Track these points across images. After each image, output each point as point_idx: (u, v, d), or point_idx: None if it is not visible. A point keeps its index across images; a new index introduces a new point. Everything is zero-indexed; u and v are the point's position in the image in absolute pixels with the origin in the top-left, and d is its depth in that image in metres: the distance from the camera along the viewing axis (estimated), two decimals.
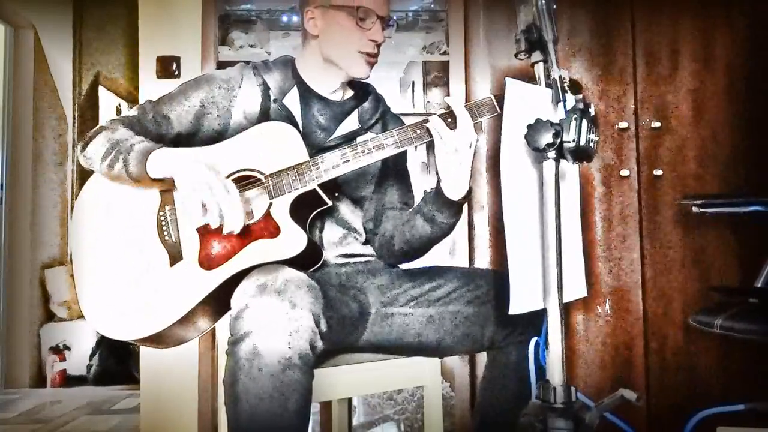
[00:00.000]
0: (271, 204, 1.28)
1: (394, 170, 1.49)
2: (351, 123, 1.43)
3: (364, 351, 1.36)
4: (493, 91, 2.22)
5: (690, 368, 2.16)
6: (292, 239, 1.25)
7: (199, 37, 2.36)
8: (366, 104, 1.46)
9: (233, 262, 1.24)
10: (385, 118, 1.50)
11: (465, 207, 2.24)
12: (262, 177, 1.30)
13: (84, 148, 1.35)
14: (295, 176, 1.28)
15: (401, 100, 2.66)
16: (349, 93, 1.50)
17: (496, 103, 1.26)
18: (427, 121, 1.27)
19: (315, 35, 1.41)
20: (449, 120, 1.25)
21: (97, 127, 1.38)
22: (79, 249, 1.34)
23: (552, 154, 0.93)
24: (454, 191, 1.29)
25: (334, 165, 1.28)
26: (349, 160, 1.28)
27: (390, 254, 1.44)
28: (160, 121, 1.38)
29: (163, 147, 1.27)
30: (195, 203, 1.20)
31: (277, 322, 1.03)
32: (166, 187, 1.32)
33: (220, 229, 1.25)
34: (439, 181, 1.31)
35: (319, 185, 1.28)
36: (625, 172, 2.20)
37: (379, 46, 1.40)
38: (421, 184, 1.57)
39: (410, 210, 1.43)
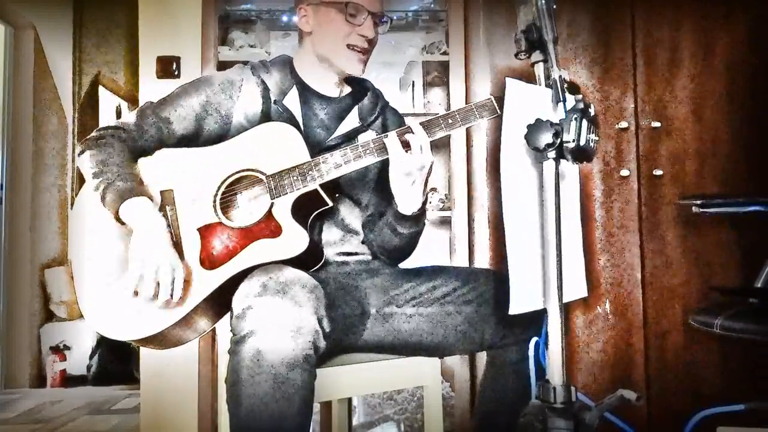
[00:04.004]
0: (272, 204, 1.28)
1: None
2: (351, 121, 1.43)
3: (364, 351, 1.36)
4: (493, 91, 2.22)
5: (690, 368, 2.16)
6: (294, 239, 1.25)
7: (199, 37, 2.37)
8: (365, 101, 1.46)
9: (235, 261, 1.24)
10: (385, 114, 1.50)
11: (464, 207, 2.23)
12: (263, 177, 1.30)
13: (81, 153, 1.34)
14: (297, 176, 1.28)
15: (401, 100, 2.66)
16: (347, 90, 1.50)
17: (496, 105, 1.26)
18: (386, 136, 1.27)
19: (308, 32, 1.42)
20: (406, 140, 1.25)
21: (97, 131, 1.36)
22: (79, 249, 1.34)
23: (552, 154, 0.93)
24: (406, 207, 1.31)
25: (336, 165, 1.28)
26: (350, 161, 1.28)
27: (377, 255, 1.46)
28: (161, 125, 1.37)
29: (140, 196, 1.26)
30: (137, 273, 1.19)
31: (279, 321, 1.03)
32: (167, 187, 1.32)
33: (221, 228, 1.25)
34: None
35: (320, 185, 1.28)
36: (625, 172, 2.20)
37: (370, 42, 1.39)
38: None
39: (381, 220, 1.42)
